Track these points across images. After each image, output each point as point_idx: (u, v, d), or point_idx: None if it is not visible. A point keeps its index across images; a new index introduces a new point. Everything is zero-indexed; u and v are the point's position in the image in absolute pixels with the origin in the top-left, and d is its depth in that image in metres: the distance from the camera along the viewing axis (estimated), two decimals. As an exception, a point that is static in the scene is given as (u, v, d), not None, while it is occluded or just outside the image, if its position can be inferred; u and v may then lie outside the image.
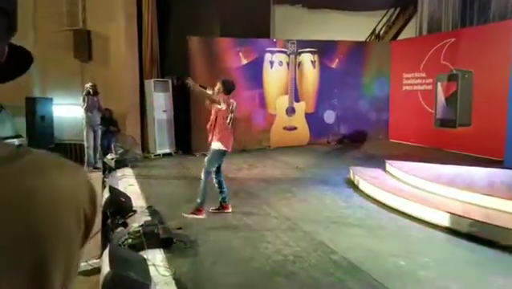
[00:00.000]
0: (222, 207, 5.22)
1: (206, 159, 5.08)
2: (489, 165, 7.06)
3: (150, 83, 9.59)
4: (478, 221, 4.34)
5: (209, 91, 5.12)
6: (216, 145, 5.02)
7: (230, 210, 5.20)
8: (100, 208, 4.68)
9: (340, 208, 5.48)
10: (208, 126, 5.13)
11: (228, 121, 5.04)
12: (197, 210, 4.96)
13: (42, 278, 0.55)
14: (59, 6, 9.41)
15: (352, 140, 11.31)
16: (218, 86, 5.10)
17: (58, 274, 0.56)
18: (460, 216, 4.51)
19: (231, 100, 5.10)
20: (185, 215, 4.92)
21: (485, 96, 8.83)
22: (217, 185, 5.18)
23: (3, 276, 0.51)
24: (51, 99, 9.34)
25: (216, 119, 5.03)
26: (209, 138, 5.09)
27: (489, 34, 8.75)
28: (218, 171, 5.18)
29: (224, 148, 5.03)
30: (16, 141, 7.17)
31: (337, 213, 5.28)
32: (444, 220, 4.62)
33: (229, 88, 5.10)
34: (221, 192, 5.20)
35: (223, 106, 4.96)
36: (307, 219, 5.04)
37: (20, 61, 0.66)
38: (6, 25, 0.59)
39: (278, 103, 10.89)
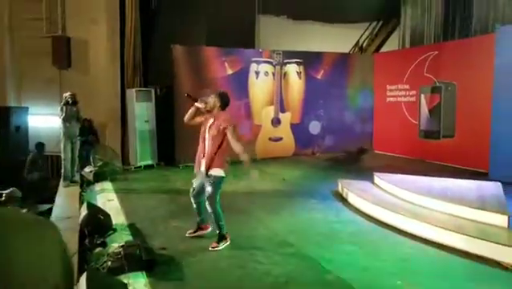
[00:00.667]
0: (200, 229, 4.74)
1: (209, 191, 4.35)
2: (475, 177, 7.04)
3: (132, 93, 9.29)
4: (471, 236, 4.23)
5: (200, 104, 4.45)
6: (218, 172, 4.37)
7: (210, 229, 4.72)
8: (78, 226, 4.38)
9: (331, 222, 5.31)
10: (211, 151, 4.36)
11: (233, 140, 4.36)
12: (223, 238, 4.44)
13: None
14: (38, 12, 9.06)
15: (337, 151, 11.23)
16: (214, 99, 4.38)
17: None
18: (452, 231, 4.40)
19: (229, 117, 4.47)
20: (213, 249, 4.33)
21: (468, 108, 8.90)
22: (195, 206, 4.62)
23: None
24: (27, 109, 8.94)
25: (222, 141, 4.35)
26: (208, 162, 4.37)
27: (472, 47, 8.85)
28: (201, 192, 4.53)
29: (224, 175, 4.44)
30: None
31: (328, 228, 5.10)
32: (437, 235, 4.51)
33: (225, 102, 4.42)
34: (200, 214, 4.67)
35: (226, 124, 4.32)
36: (298, 235, 4.85)
37: None
38: None
39: (264, 113, 10.75)
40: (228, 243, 4.43)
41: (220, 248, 4.35)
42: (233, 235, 4.57)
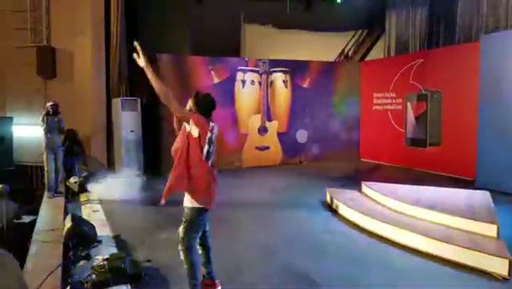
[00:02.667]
0: (206, 285, 3.48)
1: (181, 227, 3.22)
2: (461, 185, 7.11)
3: (117, 102, 9.21)
4: (461, 246, 4.24)
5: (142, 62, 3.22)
6: (188, 201, 3.20)
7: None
8: (61, 238, 4.29)
9: (319, 233, 5.29)
10: (174, 164, 3.20)
11: (204, 155, 3.13)
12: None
13: None
14: (22, 22, 8.96)
15: (324, 160, 11.27)
16: (190, 103, 3.27)
17: None
18: (441, 241, 4.41)
19: (212, 124, 3.19)
20: None
21: (454, 116, 9.02)
22: (200, 251, 3.44)
23: None
24: (11, 119, 8.78)
25: (187, 151, 3.11)
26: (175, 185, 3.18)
27: (457, 55, 9.00)
28: (202, 232, 3.41)
29: (199, 206, 3.17)
30: None
31: (316, 238, 5.08)
32: (426, 245, 4.51)
33: (205, 106, 3.21)
34: (206, 262, 3.50)
35: (192, 129, 3.10)
36: (286, 246, 4.81)
37: None
38: None
39: (250, 122, 10.75)
40: None
41: None
42: (220, 247, 4.51)
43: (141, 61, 3.18)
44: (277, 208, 6.54)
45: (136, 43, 3.20)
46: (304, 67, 11.44)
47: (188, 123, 3.10)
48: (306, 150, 11.37)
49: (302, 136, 11.35)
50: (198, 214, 3.19)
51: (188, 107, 3.27)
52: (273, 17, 13.52)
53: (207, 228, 3.48)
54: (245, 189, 7.96)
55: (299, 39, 13.65)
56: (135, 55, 3.21)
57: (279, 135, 11.05)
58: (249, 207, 6.61)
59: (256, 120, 10.83)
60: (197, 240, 3.31)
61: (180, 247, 3.19)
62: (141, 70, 3.20)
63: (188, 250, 3.17)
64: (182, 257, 3.19)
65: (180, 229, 3.22)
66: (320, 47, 13.35)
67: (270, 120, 10.97)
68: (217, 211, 6.06)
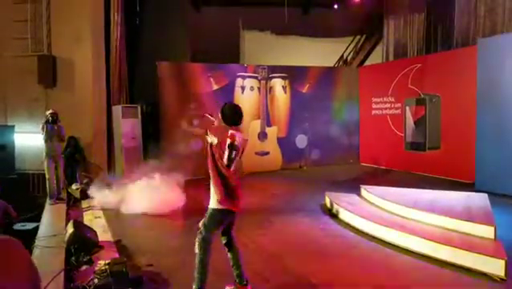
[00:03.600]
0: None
1: (201, 222, 3.48)
2: (461, 188, 7.14)
3: (118, 109, 9.28)
4: (459, 248, 4.27)
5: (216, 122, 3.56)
6: (211, 202, 3.45)
7: None
8: (64, 244, 4.33)
9: (319, 237, 5.32)
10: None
11: (227, 162, 3.32)
12: None
13: None
14: (23, 32, 9.06)
15: (324, 165, 11.31)
16: (217, 116, 3.51)
17: None
18: (440, 243, 4.44)
19: (232, 132, 3.32)
20: None
21: (453, 120, 9.07)
22: (228, 254, 3.63)
23: None
24: (13, 127, 8.85)
25: (212, 160, 3.38)
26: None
27: (455, 59, 9.07)
28: (227, 233, 3.64)
29: (222, 207, 3.40)
30: None
31: (316, 242, 5.11)
32: (425, 247, 4.54)
33: (230, 117, 3.44)
34: (235, 264, 3.62)
35: (213, 139, 3.35)
36: (287, 250, 4.84)
37: None
38: None
39: (250, 128, 10.81)
40: None
41: None
42: (220, 250, 4.54)
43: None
44: (277, 212, 6.58)
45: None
46: (303, 72, 11.52)
47: (208, 135, 3.40)
48: (306, 155, 11.41)
49: (301, 141, 11.40)
50: (219, 214, 3.43)
51: (217, 120, 3.52)
52: (271, 23, 13.65)
53: (232, 233, 3.66)
54: (245, 195, 7.97)
55: (298, 45, 13.77)
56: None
57: (279, 140, 11.12)
58: (249, 211, 6.64)
59: (256, 126, 10.89)
60: (214, 237, 3.48)
61: (197, 238, 3.42)
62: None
63: (204, 241, 3.39)
64: (197, 248, 3.40)
65: (201, 223, 3.46)
66: (319, 53, 13.47)
67: (269, 125, 11.04)
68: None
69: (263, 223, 5.96)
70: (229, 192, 3.41)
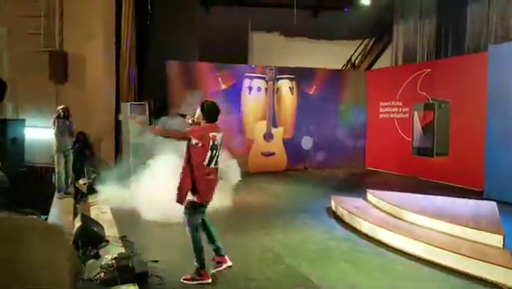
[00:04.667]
0: (217, 262, 4.03)
1: (185, 214, 3.90)
2: (469, 196, 7.09)
3: (126, 106, 9.35)
4: (466, 255, 4.26)
5: (189, 120, 4.10)
6: (190, 197, 3.82)
7: (230, 263, 4.01)
8: (71, 237, 4.39)
9: (324, 240, 5.33)
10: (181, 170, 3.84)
11: (207, 161, 3.79)
12: (199, 275, 3.84)
13: None
14: (36, 28, 9.17)
15: (329, 167, 11.31)
16: (198, 112, 3.92)
17: None
18: (447, 250, 4.43)
19: (213, 134, 3.79)
20: (185, 282, 3.83)
21: (462, 126, 8.99)
22: (204, 234, 4.05)
23: None
24: (24, 121, 8.95)
25: (189, 159, 3.78)
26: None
27: (465, 65, 9.01)
28: (203, 222, 4.05)
29: (196, 201, 3.81)
30: None
31: (320, 245, 5.13)
32: (431, 254, 4.53)
33: (211, 114, 3.86)
34: (212, 240, 4.04)
35: (194, 142, 3.73)
36: (291, 252, 4.86)
37: None
38: None
39: (256, 128, 10.84)
40: (205, 282, 3.83)
41: (190, 283, 3.81)
42: (227, 250, 4.58)
43: (139, 125, 4.33)
44: (282, 213, 6.60)
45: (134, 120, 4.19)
46: (310, 74, 11.52)
47: (191, 140, 3.78)
48: (312, 157, 11.42)
49: (307, 142, 11.41)
50: (199, 207, 3.88)
51: (196, 114, 3.97)
52: (280, 25, 13.68)
53: (206, 217, 4.08)
54: (251, 195, 8.02)
55: (306, 47, 13.79)
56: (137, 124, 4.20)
57: (285, 141, 11.13)
58: (254, 212, 6.68)
59: (262, 126, 10.92)
60: (199, 224, 3.95)
61: (186, 228, 3.88)
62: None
63: (194, 228, 3.85)
64: (189, 236, 3.85)
65: (186, 215, 3.89)
66: (327, 55, 13.46)
67: (275, 126, 11.06)
68: (224, 216, 6.17)
69: (267, 224, 5.98)
70: (201, 186, 3.81)
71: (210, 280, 3.86)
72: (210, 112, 3.87)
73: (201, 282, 3.84)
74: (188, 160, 3.79)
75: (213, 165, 3.86)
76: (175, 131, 3.97)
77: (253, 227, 5.82)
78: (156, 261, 4.29)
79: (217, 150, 3.85)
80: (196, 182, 3.79)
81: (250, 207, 7.00)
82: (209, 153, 3.77)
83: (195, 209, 3.86)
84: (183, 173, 3.81)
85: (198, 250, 3.85)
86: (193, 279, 3.84)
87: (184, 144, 3.89)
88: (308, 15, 14.04)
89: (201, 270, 3.86)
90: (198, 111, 3.93)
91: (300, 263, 4.46)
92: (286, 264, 4.45)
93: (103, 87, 9.38)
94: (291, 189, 8.65)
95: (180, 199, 3.81)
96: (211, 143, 3.78)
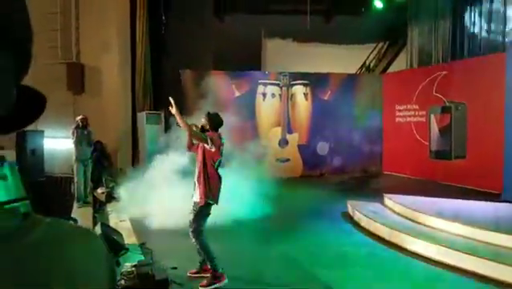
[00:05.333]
0: (204, 270, 4.18)
1: (192, 217, 4.08)
2: (487, 198, 6.97)
3: (142, 116, 9.49)
4: (486, 258, 4.18)
5: (194, 128, 4.26)
6: (200, 198, 4.03)
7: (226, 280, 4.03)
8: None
9: (341, 245, 5.29)
10: (196, 175, 4.14)
11: (216, 165, 4.14)
12: (215, 278, 3.96)
13: None
14: (54, 40, 9.40)
15: (346, 172, 11.22)
16: (203, 121, 4.22)
17: None
18: (466, 253, 4.35)
19: (220, 141, 4.17)
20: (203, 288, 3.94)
21: (480, 128, 8.84)
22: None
23: None
24: (43, 132, 9.14)
25: (203, 163, 4.07)
26: (197, 188, 4.09)
27: (482, 66, 8.87)
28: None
29: (211, 202, 4.08)
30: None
31: (338, 250, 5.09)
32: (450, 257, 4.46)
33: (217, 123, 4.20)
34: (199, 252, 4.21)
35: (212, 147, 4.03)
36: (309, 257, 4.83)
37: (30, 106, 0.59)
38: (15, 63, 0.52)
39: (271, 134, 10.84)
40: (223, 283, 3.94)
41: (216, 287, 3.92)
42: (243, 257, 4.60)
43: (174, 110, 4.25)
44: (298, 220, 6.57)
45: (170, 98, 4.28)
46: (325, 79, 11.51)
47: (207, 143, 4.04)
48: (328, 162, 11.35)
49: (322, 148, 11.35)
50: (209, 207, 4.10)
51: (201, 123, 4.27)
52: (293, 31, 13.71)
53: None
54: (266, 201, 8.00)
55: (320, 52, 13.75)
56: (170, 107, 4.29)
57: (300, 147, 11.10)
58: (270, 218, 6.66)
59: (276, 133, 10.92)
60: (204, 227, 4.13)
61: (190, 231, 4.05)
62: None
63: (198, 232, 4.03)
64: (193, 239, 4.03)
65: (191, 218, 4.09)
66: (341, 60, 13.38)
67: (290, 132, 11.05)
68: (239, 221, 6.17)
69: (284, 230, 5.96)
70: (215, 187, 4.10)
71: (227, 280, 3.97)
72: (216, 123, 4.23)
73: (218, 285, 3.93)
74: (204, 163, 4.08)
75: (219, 169, 4.24)
76: (200, 134, 4.13)
77: (270, 233, 5.80)
78: (175, 268, 4.32)
79: (222, 155, 4.26)
80: (211, 183, 4.08)
81: (266, 213, 6.98)
82: (219, 157, 4.16)
83: (207, 210, 4.08)
84: (208, 174, 4.07)
85: (208, 253, 4.01)
86: (209, 284, 3.94)
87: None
88: (321, 20, 14.03)
89: (216, 273, 3.98)
90: (203, 120, 4.26)
91: (317, 268, 4.43)
92: (303, 269, 4.43)
93: (120, 97, 9.54)
94: (307, 195, 8.62)
95: (217, 199, 4.11)
96: (221, 148, 4.18)
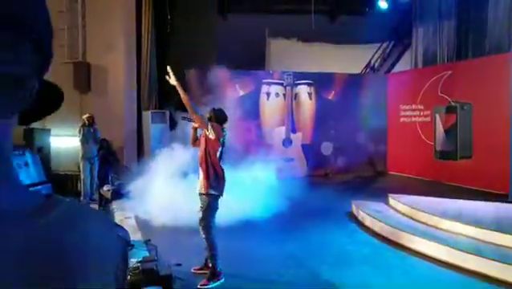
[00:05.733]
0: (207, 266, 4.19)
1: (201, 212, 4.09)
2: (494, 199, 6.93)
3: (147, 114, 9.54)
4: (490, 258, 4.18)
5: (196, 124, 4.34)
6: (206, 189, 4.05)
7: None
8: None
9: (345, 244, 5.31)
10: (199, 165, 4.19)
11: (219, 155, 4.16)
12: (214, 276, 4.01)
13: None
14: (60, 39, 9.48)
15: (350, 172, 11.20)
16: (208, 116, 4.31)
17: None
18: (470, 253, 4.35)
19: (222, 130, 4.23)
20: (201, 287, 3.96)
21: (485, 128, 8.78)
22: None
23: None
24: (49, 130, 9.23)
25: (205, 152, 4.09)
26: (200, 179, 4.11)
27: (488, 66, 8.82)
28: None
29: (216, 193, 4.08)
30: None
31: (342, 249, 5.11)
32: (454, 257, 4.46)
33: (221, 118, 4.29)
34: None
35: (211, 134, 4.05)
36: (312, 256, 4.86)
37: (48, 99, 0.62)
38: (39, 58, 0.55)
39: (275, 134, 10.84)
40: (220, 282, 3.97)
41: (209, 287, 3.95)
42: (246, 255, 4.62)
43: (173, 80, 4.34)
44: (303, 219, 6.55)
45: (168, 67, 4.31)
46: (329, 79, 11.50)
47: (207, 128, 4.06)
48: (332, 162, 11.34)
49: (327, 148, 11.34)
50: (216, 200, 4.09)
51: (207, 117, 4.29)
52: (298, 30, 13.70)
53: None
54: (271, 199, 8.02)
55: (325, 52, 13.72)
56: (167, 77, 4.35)
57: (304, 147, 11.09)
58: (275, 217, 6.68)
59: (280, 132, 10.92)
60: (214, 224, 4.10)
61: (201, 226, 4.05)
62: (171, 84, 4.38)
63: (208, 228, 4.02)
64: (203, 234, 4.03)
65: (200, 212, 4.07)
66: (346, 60, 13.36)
67: (294, 132, 11.05)
68: (244, 219, 6.19)
69: (288, 229, 5.98)
70: (220, 179, 4.11)
71: (223, 279, 4.01)
72: (220, 117, 4.29)
73: (217, 283, 3.99)
74: (206, 152, 4.10)
75: (221, 161, 4.21)
76: (201, 115, 4.20)
77: (274, 232, 5.83)
78: (180, 264, 4.35)
79: (223, 147, 4.23)
80: (214, 173, 4.07)
81: (271, 212, 7.00)
82: (220, 148, 4.15)
83: (214, 204, 4.08)
84: (211, 163, 4.06)
85: (214, 250, 4.04)
86: (209, 281, 3.98)
87: None
88: (325, 20, 14.02)
89: (215, 271, 4.02)
90: (209, 115, 4.32)
91: (321, 267, 4.45)
92: (307, 268, 4.45)
93: (125, 96, 9.60)
94: (312, 195, 8.60)
95: (222, 190, 4.11)
96: (221, 139, 4.16)
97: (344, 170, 11.29)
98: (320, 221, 6.35)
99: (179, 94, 4.39)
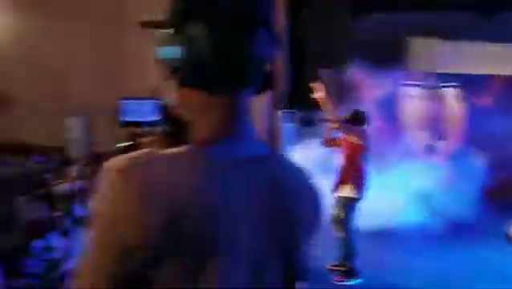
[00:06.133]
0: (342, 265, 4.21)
1: (337, 211, 4.21)
2: None
3: (278, 114, 9.59)
4: None
5: (334, 125, 4.68)
6: (348, 192, 4.20)
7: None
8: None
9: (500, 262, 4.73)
10: (341, 170, 4.32)
11: (361, 159, 4.35)
12: (351, 274, 4.11)
13: (293, 262, 0.79)
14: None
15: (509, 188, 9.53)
16: (347, 117, 4.59)
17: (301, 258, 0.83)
18: None
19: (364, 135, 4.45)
20: (338, 283, 4.10)
21: None
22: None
23: (268, 265, 0.74)
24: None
25: (349, 155, 4.30)
26: (342, 181, 4.28)
27: None
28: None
29: (357, 196, 4.23)
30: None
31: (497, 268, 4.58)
32: None
33: (359, 119, 4.54)
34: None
35: (359, 140, 4.28)
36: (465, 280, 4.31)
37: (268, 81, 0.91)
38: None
39: (416, 139, 9.98)
40: (357, 281, 4.07)
41: (346, 284, 4.07)
42: (393, 264, 4.25)
43: (320, 94, 4.91)
44: (453, 232, 6.05)
45: (317, 84, 4.96)
46: (481, 81, 10.21)
47: (347, 132, 4.38)
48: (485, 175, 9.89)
49: (478, 159, 9.97)
50: (356, 203, 4.25)
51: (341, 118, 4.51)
52: (443, 27, 12.49)
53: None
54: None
55: (476, 52, 12.24)
56: (313, 91, 4.93)
57: (451, 156, 9.92)
58: (425, 227, 6.24)
59: (421, 138, 9.99)
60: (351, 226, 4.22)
61: (339, 229, 4.11)
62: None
63: (347, 230, 4.11)
64: (340, 235, 4.10)
65: (337, 212, 4.19)
66: (499, 60, 11.73)
67: (438, 138, 10.04)
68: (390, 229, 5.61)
69: (439, 242, 5.29)
70: (362, 182, 4.33)
71: (361, 279, 4.08)
72: (359, 118, 4.53)
73: (354, 282, 4.10)
74: (350, 157, 4.28)
75: (363, 164, 4.39)
76: (338, 117, 4.53)
77: (424, 243, 5.14)
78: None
79: (366, 150, 4.43)
80: (359, 178, 4.24)
81: (419, 221, 6.42)
82: (362, 151, 4.34)
83: (356, 206, 4.25)
84: (354, 166, 4.23)
85: (349, 246, 4.27)
86: (343, 278, 4.08)
87: None
88: (472, 17, 12.52)
89: (352, 270, 4.19)
90: (346, 116, 4.57)
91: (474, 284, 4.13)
92: (458, 284, 4.12)
93: (255, 99, 9.78)
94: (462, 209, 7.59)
95: (364, 194, 4.28)
96: (363, 142, 4.36)
97: (502, 186, 9.65)
98: (474, 237, 5.84)
99: (309, 94, 4.87)
